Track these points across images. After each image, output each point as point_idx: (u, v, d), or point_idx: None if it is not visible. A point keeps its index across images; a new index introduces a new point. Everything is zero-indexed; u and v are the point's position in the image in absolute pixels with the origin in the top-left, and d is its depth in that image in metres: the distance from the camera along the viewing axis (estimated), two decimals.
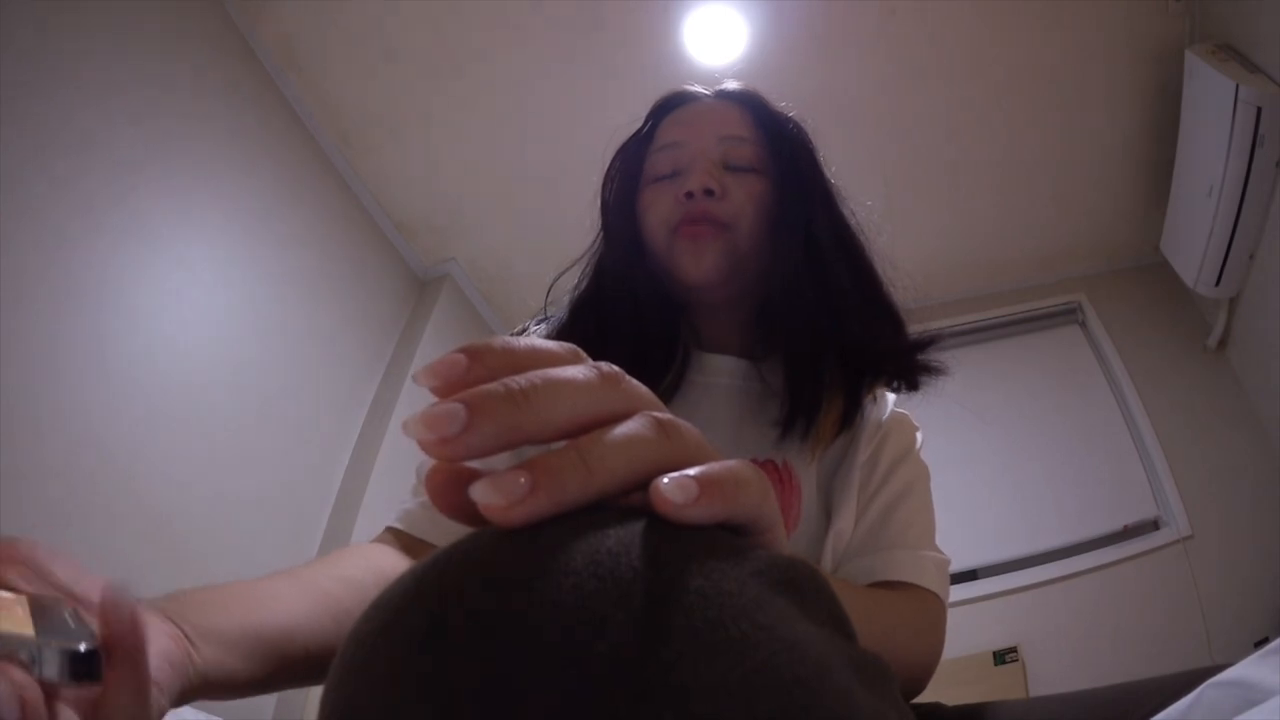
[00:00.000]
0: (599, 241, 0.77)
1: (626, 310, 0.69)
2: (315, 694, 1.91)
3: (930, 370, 0.70)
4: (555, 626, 0.18)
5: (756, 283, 0.71)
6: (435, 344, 2.46)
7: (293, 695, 1.77)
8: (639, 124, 0.80)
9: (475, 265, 2.71)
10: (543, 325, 0.76)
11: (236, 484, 1.76)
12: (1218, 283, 2.19)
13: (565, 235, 0.81)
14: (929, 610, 0.62)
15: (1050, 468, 2.45)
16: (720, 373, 0.71)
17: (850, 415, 0.67)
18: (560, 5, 2.00)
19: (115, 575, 0.30)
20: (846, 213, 0.74)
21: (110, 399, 1.49)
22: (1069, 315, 2.79)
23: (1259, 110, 1.78)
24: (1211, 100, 1.92)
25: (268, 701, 1.73)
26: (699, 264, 0.67)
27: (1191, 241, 2.21)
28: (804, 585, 0.23)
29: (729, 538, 0.23)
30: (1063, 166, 2.47)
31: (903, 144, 2.38)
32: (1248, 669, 0.39)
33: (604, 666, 0.18)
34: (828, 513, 0.66)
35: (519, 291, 2.75)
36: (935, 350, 0.71)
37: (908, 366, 0.70)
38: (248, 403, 1.84)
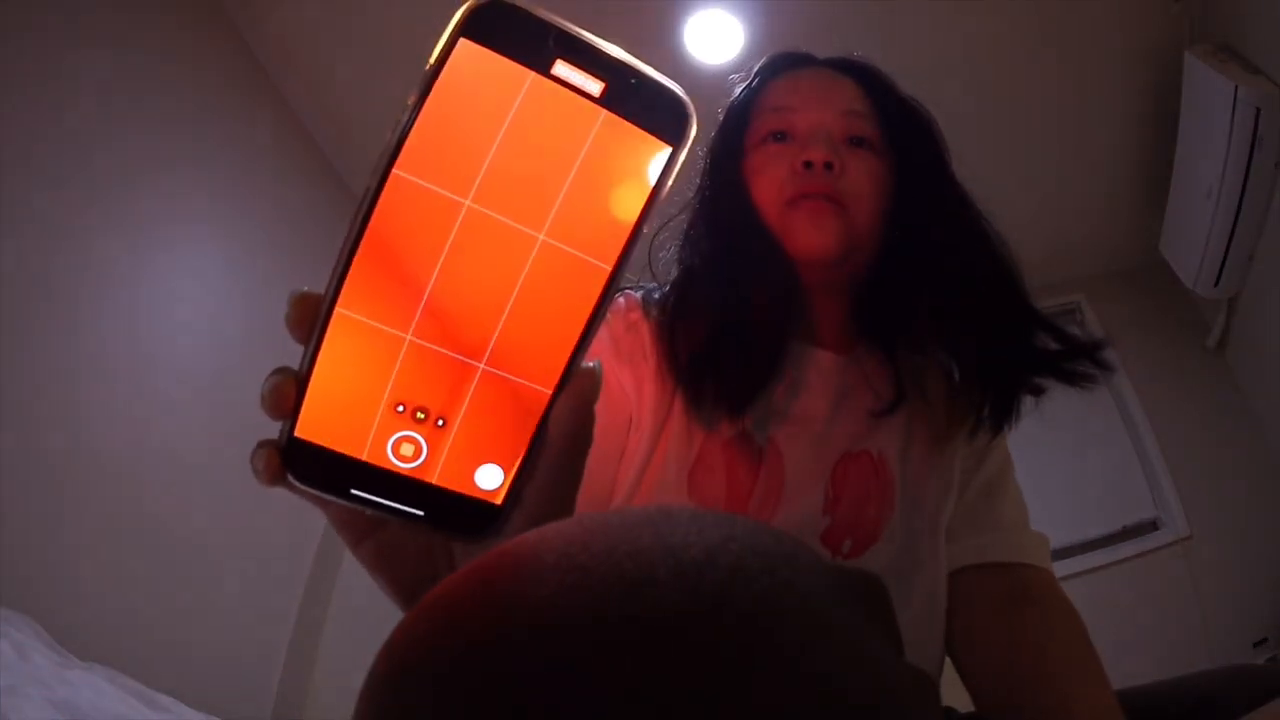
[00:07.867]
0: (702, 203, 0.69)
1: (733, 292, 0.63)
2: (315, 694, 1.91)
3: (1089, 376, 0.64)
4: (619, 590, 0.20)
5: (865, 270, 0.66)
6: None
7: (293, 695, 1.77)
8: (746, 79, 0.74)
9: None
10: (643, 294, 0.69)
11: (236, 486, 1.76)
12: (1217, 283, 2.19)
13: None
14: (1070, 609, 0.65)
15: (1049, 468, 2.44)
16: (819, 366, 0.66)
17: (1000, 417, 0.65)
18: (560, 7, 1.99)
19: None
20: (975, 214, 0.68)
21: (109, 401, 1.49)
22: (1069, 315, 2.79)
23: (1258, 111, 1.78)
24: (1211, 101, 1.92)
25: (267, 701, 1.73)
26: (818, 236, 0.62)
27: (1191, 242, 2.21)
28: (868, 597, 0.25)
29: (784, 536, 0.24)
30: (1062, 167, 2.47)
31: None
32: None
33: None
34: (918, 500, 0.66)
35: None
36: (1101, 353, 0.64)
37: (1067, 371, 0.64)
38: (249, 403, 1.83)
